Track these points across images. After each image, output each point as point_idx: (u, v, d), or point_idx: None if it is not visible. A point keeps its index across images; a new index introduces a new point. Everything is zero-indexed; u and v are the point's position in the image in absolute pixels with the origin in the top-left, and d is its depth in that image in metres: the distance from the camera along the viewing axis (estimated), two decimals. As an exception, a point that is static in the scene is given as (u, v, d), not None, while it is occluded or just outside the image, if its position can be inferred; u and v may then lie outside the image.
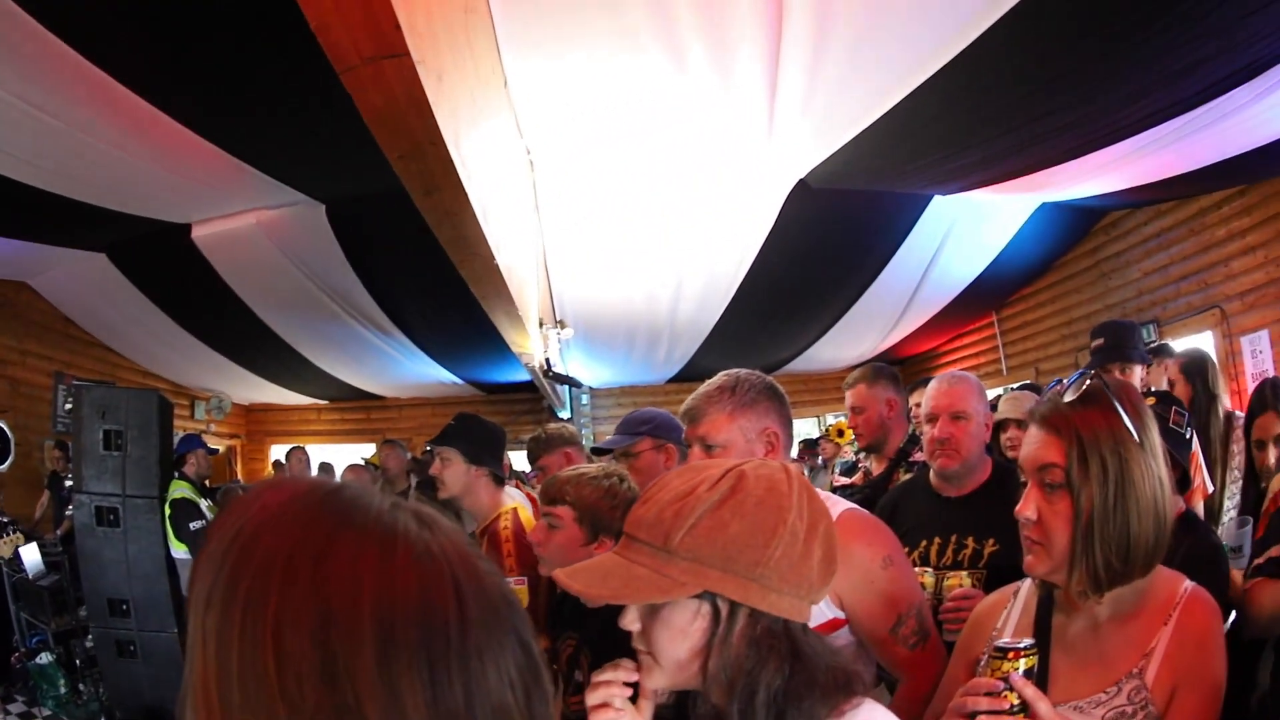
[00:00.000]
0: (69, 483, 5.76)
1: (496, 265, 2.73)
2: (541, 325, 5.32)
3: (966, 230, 5.89)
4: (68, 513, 5.99)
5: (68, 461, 6.93)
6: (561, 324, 6.01)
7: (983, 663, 1.11)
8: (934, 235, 5.88)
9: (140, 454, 4.83)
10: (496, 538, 2.52)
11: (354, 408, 11.26)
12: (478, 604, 0.45)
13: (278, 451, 11.46)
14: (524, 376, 8.71)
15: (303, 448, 6.19)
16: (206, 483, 5.30)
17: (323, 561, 0.43)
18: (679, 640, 0.95)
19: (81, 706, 5.34)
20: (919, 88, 3.29)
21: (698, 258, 5.90)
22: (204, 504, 4.92)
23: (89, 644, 5.40)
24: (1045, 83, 3.36)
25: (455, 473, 2.62)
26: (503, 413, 10.24)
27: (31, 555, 5.67)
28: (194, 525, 4.78)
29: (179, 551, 4.83)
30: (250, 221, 5.03)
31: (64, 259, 6.43)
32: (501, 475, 2.77)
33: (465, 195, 2.15)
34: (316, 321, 6.92)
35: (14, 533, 4.35)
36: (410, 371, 8.80)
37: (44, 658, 5.55)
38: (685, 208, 5.03)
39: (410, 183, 2.12)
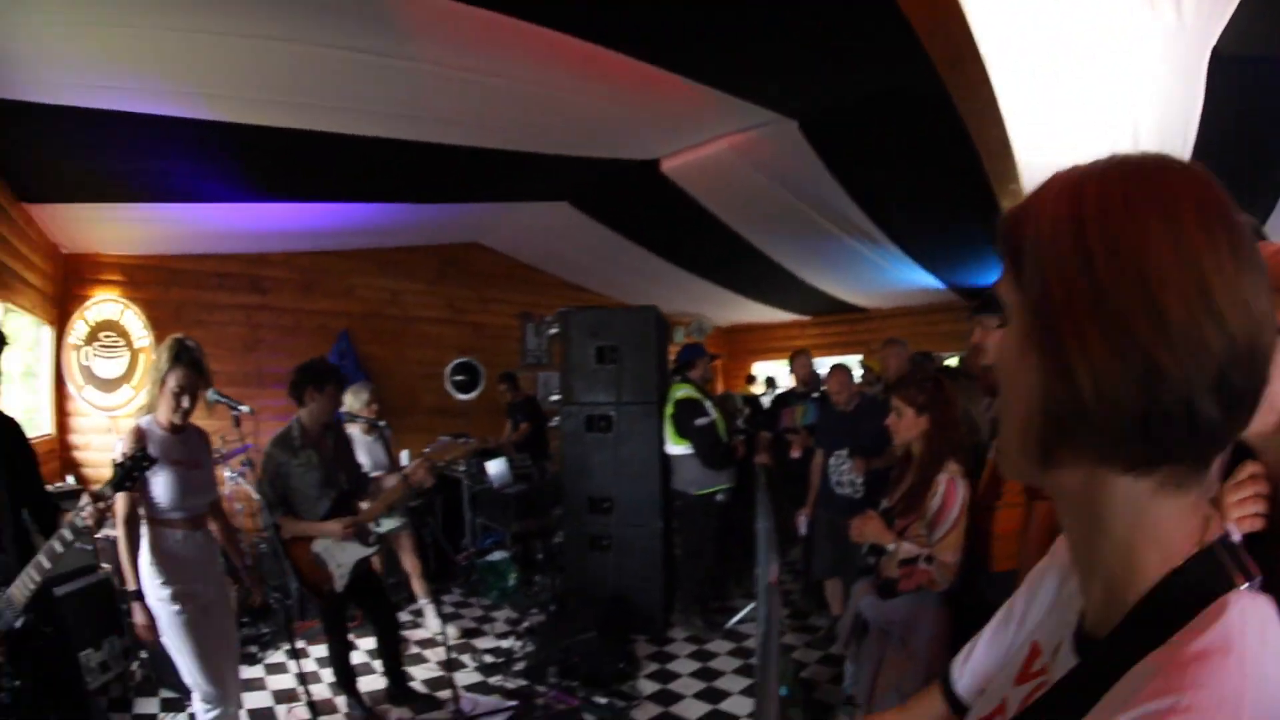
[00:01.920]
0: (555, 397, 6.91)
1: (1008, 137, 2.97)
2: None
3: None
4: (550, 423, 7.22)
5: (514, 393, 8.34)
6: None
7: None
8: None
9: (636, 365, 5.63)
10: None
11: (836, 320, 11.67)
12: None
13: (759, 368, 12.60)
14: (1003, 278, 8.54)
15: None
16: (707, 387, 5.92)
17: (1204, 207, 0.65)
18: None
19: (531, 597, 6.27)
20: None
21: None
22: (707, 403, 5.55)
23: (556, 540, 6.34)
24: None
25: (996, 339, 2.70)
26: (984, 317, 10.07)
27: (497, 468, 6.98)
28: (699, 422, 5.41)
29: (679, 447, 5.50)
30: (722, 147, 5.38)
31: (520, 212, 7.44)
32: None
33: (983, 66, 2.41)
34: (798, 234, 7.26)
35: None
36: (893, 279, 8.94)
37: (497, 554, 6.70)
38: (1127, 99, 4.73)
39: (939, 55, 2.44)
